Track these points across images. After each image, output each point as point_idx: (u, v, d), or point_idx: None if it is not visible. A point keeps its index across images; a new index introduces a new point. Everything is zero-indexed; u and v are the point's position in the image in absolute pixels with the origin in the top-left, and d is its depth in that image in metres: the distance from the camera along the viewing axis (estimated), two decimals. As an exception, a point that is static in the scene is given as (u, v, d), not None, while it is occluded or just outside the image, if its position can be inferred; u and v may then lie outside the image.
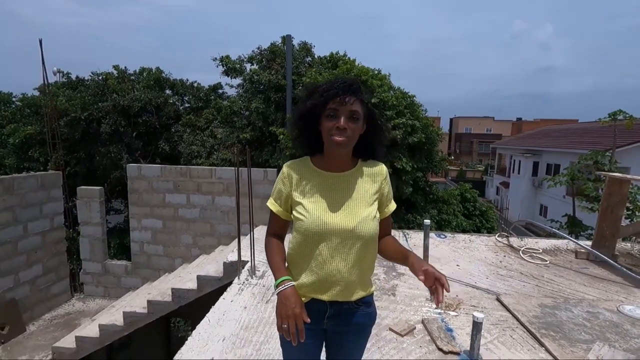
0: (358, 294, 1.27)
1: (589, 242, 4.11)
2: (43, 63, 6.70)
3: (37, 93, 9.14)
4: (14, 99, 10.13)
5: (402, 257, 1.25)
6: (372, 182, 1.30)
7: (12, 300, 5.12)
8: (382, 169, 1.33)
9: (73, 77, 9.24)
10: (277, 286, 1.20)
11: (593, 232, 5.51)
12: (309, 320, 1.15)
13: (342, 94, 1.15)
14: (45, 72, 6.86)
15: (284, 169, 1.31)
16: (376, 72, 7.10)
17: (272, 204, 1.32)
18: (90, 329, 4.45)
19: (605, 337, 2.37)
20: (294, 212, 1.27)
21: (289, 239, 1.32)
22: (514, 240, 4.49)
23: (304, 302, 1.24)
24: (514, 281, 3.33)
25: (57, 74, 9.55)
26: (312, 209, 1.22)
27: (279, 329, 1.16)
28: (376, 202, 1.29)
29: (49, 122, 7.10)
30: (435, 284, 1.07)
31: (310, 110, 1.21)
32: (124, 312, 4.28)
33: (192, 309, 4.35)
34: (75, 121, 7.64)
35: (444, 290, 1.06)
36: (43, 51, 6.60)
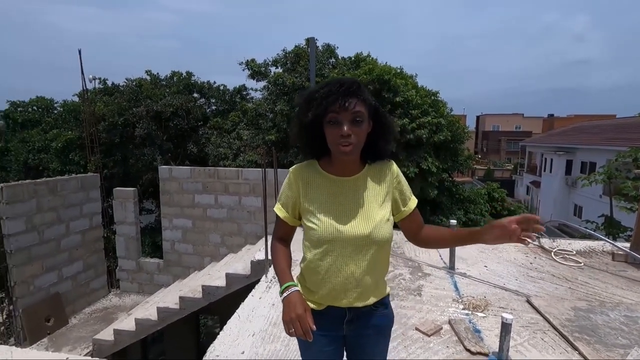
0: (375, 297, 1.26)
1: (627, 244, 3.93)
2: (82, 71, 7.12)
3: (76, 99, 9.71)
4: (55, 105, 10.78)
5: (465, 235, 1.21)
6: (383, 183, 1.26)
7: (56, 294, 5.48)
8: (391, 166, 1.28)
9: (109, 83, 9.74)
10: (281, 292, 1.18)
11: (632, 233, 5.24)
12: (314, 327, 1.11)
13: (342, 98, 1.08)
14: (84, 80, 7.30)
15: (291, 174, 1.26)
16: (398, 70, 7.06)
17: (279, 210, 1.29)
18: (127, 323, 4.69)
19: (645, 343, 2.28)
20: (304, 220, 1.24)
21: (296, 243, 1.33)
22: (546, 242, 4.35)
23: (320, 309, 1.24)
24: (545, 283, 3.24)
25: (93, 81, 10.10)
26: (324, 217, 1.19)
27: (288, 334, 1.14)
28: (389, 203, 1.25)
29: (88, 127, 7.53)
30: (527, 225, 1.03)
31: (312, 121, 1.15)
32: (157, 308, 4.49)
33: (220, 306, 4.50)
34: (112, 126, 8.07)
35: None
36: (82, 60, 7.02)
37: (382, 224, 1.19)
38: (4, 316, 6.72)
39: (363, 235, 1.17)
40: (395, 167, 1.29)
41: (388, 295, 1.33)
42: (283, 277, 1.22)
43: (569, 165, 20.39)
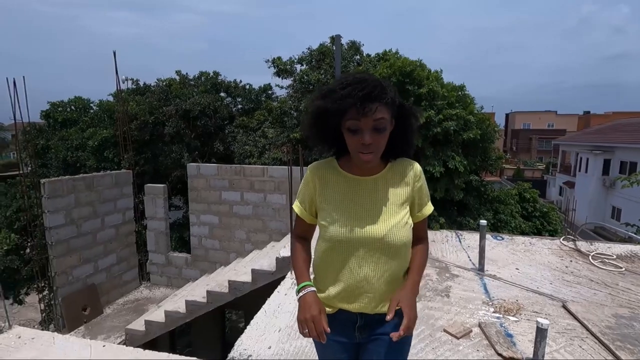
0: (380, 302, 1.20)
1: (675, 249, 3.67)
2: (116, 72, 7.44)
3: (111, 99, 10.14)
4: (92, 105, 11.31)
5: (408, 273, 1.23)
6: (404, 184, 1.21)
7: (92, 285, 5.77)
8: (415, 168, 1.23)
9: (141, 83, 10.12)
10: (298, 292, 1.18)
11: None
12: (328, 330, 1.09)
13: (363, 104, 1.00)
14: (119, 81, 7.61)
15: (308, 171, 1.24)
16: (418, 63, 6.89)
17: (297, 207, 1.28)
18: (157, 315, 4.87)
19: (695, 355, 2.12)
20: (319, 219, 1.22)
21: (314, 243, 1.30)
22: (582, 245, 4.14)
23: (331, 312, 1.21)
24: (582, 288, 3.08)
25: (126, 82, 10.53)
26: (338, 217, 1.16)
27: (302, 334, 1.13)
28: (408, 206, 1.21)
29: (121, 125, 7.86)
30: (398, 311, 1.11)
31: (330, 124, 1.10)
32: (186, 301, 4.63)
33: (245, 300, 4.59)
34: (143, 124, 8.39)
35: (405, 327, 1.07)
36: (116, 61, 7.32)
37: (399, 227, 1.15)
38: (44, 304, 7.15)
39: (377, 237, 1.14)
40: (418, 168, 1.24)
41: None
42: (300, 276, 1.22)
43: (606, 165, 19.31)
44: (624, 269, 3.48)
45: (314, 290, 1.17)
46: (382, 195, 1.18)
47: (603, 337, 2.29)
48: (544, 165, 33.60)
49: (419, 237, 1.27)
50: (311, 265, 1.32)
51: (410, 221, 1.21)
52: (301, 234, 1.32)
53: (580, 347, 2.24)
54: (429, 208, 1.27)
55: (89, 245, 5.76)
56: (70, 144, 9.71)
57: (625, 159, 17.93)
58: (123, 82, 10.65)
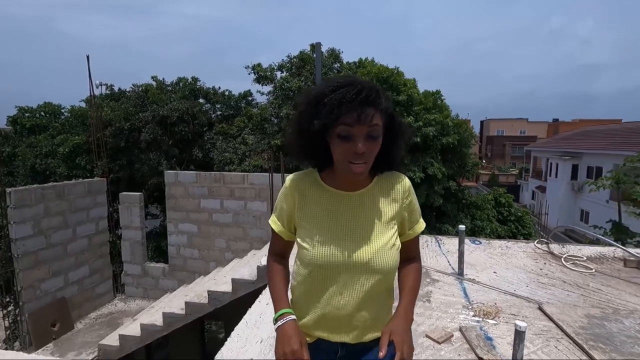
0: (373, 335, 1.09)
1: (639, 250, 3.86)
2: (90, 77, 7.20)
3: (83, 104, 9.80)
4: (63, 110, 10.89)
5: (399, 298, 1.10)
6: (392, 200, 1.09)
7: (62, 299, 5.49)
8: (404, 182, 1.12)
9: (115, 89, 9.84)
10: (275, 320, 1.05)
11: (643, 239, 5.17)
12: None
13: (359, 109, 0.91)
14: (92, 86, 7.37)
15: (287, 182, 1.11)
16: (395, 71, 7.04)
17: (274, 223, 1.15)
18: (132, 328, 4.68)
19: (662, 351, 2.22)
20: (297, 238, 1.10)
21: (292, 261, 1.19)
22: (555, 247, 4.29)
23: (310, 342, 1.09)
24: (556, 290, 3.18)
25: (100, 87, 10.22)
26: (317, 237, 1.04)
27: None
28: (396, 225, 1.09)
29: (94, 132, 7.60)
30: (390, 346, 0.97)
31: (318, 130, 0.97)
32: (163, 313, 4.48)
33: (225, 311, 4.49)
34: (118, 131, 8.14)
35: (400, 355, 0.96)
36: (90, 65, 7.10)
37: (385, 249, 1.04)
38: (9, 321, 6.74)
39: (361, 262, 1.02)
40: (407, 182, 1.14)
41: None
42: (278, 301, 1.08)
43: (574, 170, 20.28)
44: (594, 270, 3.63)
45: (294, 319, 1.03)
46: (368, 213, 1.06)
47: (577, 338, 2.36)
48: (517, 171, 34.87)
49: (411, 257, 1.18)
50: (289, 288, 1.18)
51: (398, 242, 1.09)
52: (278, 252, 1.19)
53: (556, 347, 2.31)
54: (421, 225, 1.17)
55: (59, 257, 5.49)
56: (39, 151, 9.30)
57: (592, 164, 18.86)
58: (97, 87, 10.36)
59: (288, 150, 1.13)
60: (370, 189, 1.08)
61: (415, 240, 1.18)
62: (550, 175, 22.65)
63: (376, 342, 1.06)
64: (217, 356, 2.33)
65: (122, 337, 4.52)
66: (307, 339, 1.08)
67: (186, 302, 4.40)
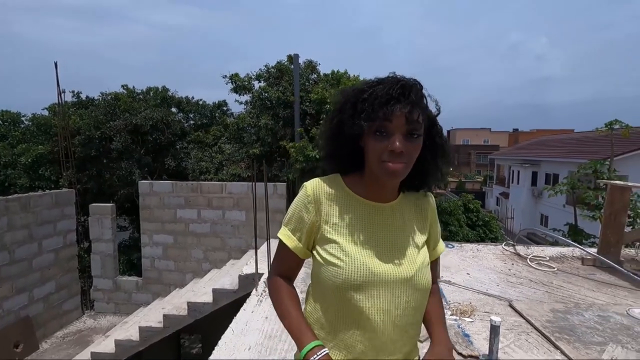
0: None
1: (594, 249, 4.22)
2: (58, 84, 6.92)
3: (46, 112, 9.35)
4: (23, 119, 10.33)
5: (429, 324, 0.99)
6: (422, 217, 1.00)
7: (26, 317, 5.17)
8: (429, 198, 1.03)
9: (83, 96, 9.48)
10: (305, 356, 0.84)
11: (596, 239, 5.62)
12: None
13: (398, 102, 0.81)
14: (60, 93, 7.08)
15: (309, 189, 0.94)
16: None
17: (286, 237, 0.95)
18: (105, 345, 4.50)
19: (617, 339, 2.47)
20: (321, 254, 0.91)
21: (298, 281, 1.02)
22: (521, 249, 4.60)
23: None
24: (524, 288, 3.43)
25: (63, 94, 9.80)
26: (353, 251, 0.88)
27: None
28: (426, 244, 1.00)
29: (61, 140, 7.27)
30: None
31: (352, 127, 0.86)
32: (139, 327, 4.34)
33: (203, 323, 4.42)
34: (88, 139, 7.84)
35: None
36: (58, 73, 6.83)
37: (424, 265, 0.93)
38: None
39: (404, 278, 0.88)
40: (433, 200, 1.05)
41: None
42: (302, 333, 0.88)
43: (534, 176, 21.55)
44: (556, 269, 3.93)
45: (327, 353, 0.84)
46: (403, 227, 0.95)
47: (545, 331, 2.57)
48: (482, 178, 36.54)
49: (433, 280, 1.03)
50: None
51: (429, 260, 0.99)
52: (286, 272, 0.99)
53: (527, 340, 2.50)
54: (442, 245, 1.08)
55: (24, 273, 5.19)
56: (-3, 161, 8.75)
57: (549, 171, 20.15)
58: (61, 94, 9.91)
59: (324, 159, 1.00)
60: (399, 202, 0.96)
61: (437, 262, 1.09)
62: (512, 182, 23.94)
63: None
64: (207, 365, 2.33)
65: (94, 355, 4.33)
66: None
67: (164, 315, 4.30)
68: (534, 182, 21.52)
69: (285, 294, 0.96)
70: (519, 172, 22.76)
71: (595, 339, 2.46)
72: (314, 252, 0.94)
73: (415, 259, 0.92)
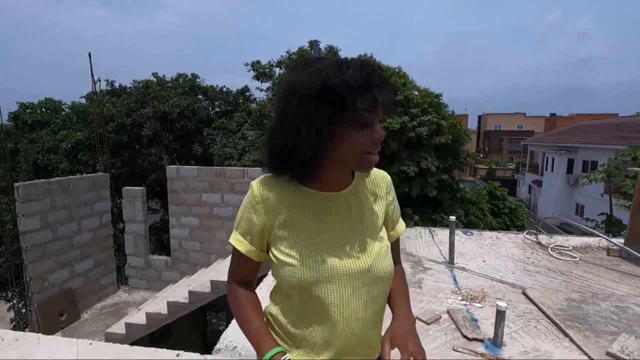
0: (375, 354, 0.96)
1: (622, 240, 4.05)
2: (92, 74, 7.31)
3: (84, 101, 9.91)
4: (63, 107, 11.00)
5: (390, 300, 0.97)
6: (378, 198, 0.96)
7: (69, 290, 5.67)
8: (386, 177, 1.00)
9: (116, 85, 9.95)
10: None
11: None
12: None
13: (380, 90, 0.77)
14: (94, 82, 7.49)
15: (255, 189, 0.89)
16: (397, 69, 7.21)
17: (237, 241, 0.91)
18: (137, 317, 4.86)
19: (633, 330, 2.41)
20: (275, 254, 0.87)
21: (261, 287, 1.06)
22: (543, 238, 4.48)
23: None
24: (541, 277, 3.37)
25: (99, 82, 10.33)
26: (307, 248, 0.85)
27: None
28: (384, 226, 0.97)
29: (97, 127, 7.73)
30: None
31: (326, 124, 0.77)
32: (167, 302, 4.66)
33: (226, 302, 4.66)
34: (120, 126, 8.28)
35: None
36: (92, 63, 7.21)
37: (382, 253, 0.91)
38: (15, 313, 6.92)
39: (361, 269, 0.86)
40: (388, 176, 1.02)
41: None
42: (261, 340, 0.85)
43: (570, 164, 20.49)
44: (578, 258, 3.82)
45: (289, 358, 0.83)
46: (358, 214, 0.91)
47: (556, 318, 2.55)
48: (514, 165, 35.11)
49: (395, 261, 1.00)
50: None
51: (389, 244, 0.96)
52: (244, 278, 0.96)
53: (536, 327, 2.50)
54: (402, 225, 1.05)
55: (65, 250, 5.65)
56: (41, 146, 9.43)
57: (587, 158, 19.07)
58: (96, 83, 10.46)
59: (269, 155, 0.87)
60: (354, 186, 0.93)
61: (397, 242, 1.06)
62: (546, 170, 22.88)
63: None
64: (223, 336, 2.51)
65: (128, 326, 4.70)
66: None
67: (190, 291, 4.58)
68: (569, 170, 20.47)
69: (244, 301, 0.92)
70: (553, 159, 21.69)
71: (609, 329, 2.42)
72: (270, 253, 0.90)
73: (372, 248, 0.89)
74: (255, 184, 0.90)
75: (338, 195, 0.90)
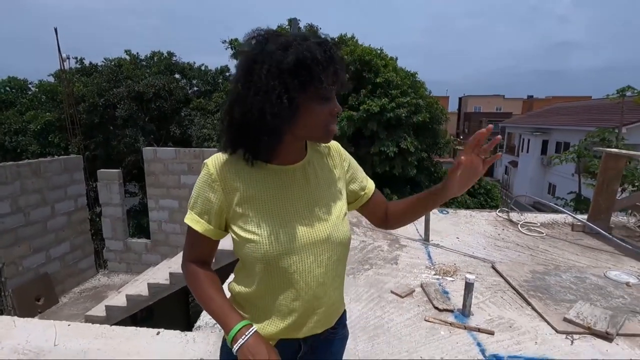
0: (338, 315, 1.03)
1: (586, 216, 4.29)
2: (59, 51, 6.94)
3: (52, 79, 9.42)
4: (30, 86, 10.44)
5: (433, 193, 0.99)
6: (332, 166, 1.00)
7: (45, 274, 5.56)
8: (335, 144, 1.04)
9: (86, 63, 9.48)
10: (233, 339, 0.82)
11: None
12: None
13: (336, 64, 0.81)
14: (62, 60, 7.11)
15: (210, 166, 0.88)
16: (379, 51, 7.20)
17: (194, 222, 0.90)
18: (118, 299, 4.85)
19: (589, 298, 2.60)
20: (236, 231, 0.88)
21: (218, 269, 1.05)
22: (514, 215, 4.69)
23: None
24: (509, 251, 3.55)
25: (67, 60, 9.81)
26: (267, 223, 0.86)
27: None
28: (343, 191, 1.01)
29: (67, 108, 7.40)
30: (479, 147, 0.88)
31: (288, 101, 0.79)
32: (148, 284, 4.66)
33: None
34: (92, 107, 7.96)
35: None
36: (59, 39, 6.82)
37: (339, 220, 0.95)
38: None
39: (320, 238, 0.90)
40: (337, 143, 1.04)
41: (345, 311, 1.09)
42: (227, 316, 0.86)
43: (544, 145, 21.18)
44: (544, 234, 4.04)
45: (256, 330, 0.86)
46: (315, 184, 0.94)
47: (520, 289, 2.71)
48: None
49: (385, 204, 1.12)
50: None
51: (346, 210, 1.00)
52: (201, 258, 0.95)
53: (502, 297, 2.65)
54: (371, 182, 1.10)
55: (40, 234, 5.52)
56: (8, 127, 8.97)
57: (561, 140, 19.76)
58: (65, 60, 9.93)
59: (227, 131, 0.87)
60: (309, 158, 0.96)
61: (377, 193, 1.11)
62: (522, 151, 23.60)
63: (338, 324, 1.03)
64: (201, 317, 2.56)
65: (108, 308, 4.69)
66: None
67: (170, 273, 4.60)
68: (544, 151, 21.18)
69: (204, 280, 0.92)
70: (529, 140, 22.36)
71: (567, 297, 2.60)
72: (230, 231, 0.91)
73: (331, 217, 0.93)
74: (209, 162, 0.90)
75: (294, 168, 0.92)
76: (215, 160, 0.89)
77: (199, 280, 0.92)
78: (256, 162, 0.89)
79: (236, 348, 0.81)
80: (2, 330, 2.28)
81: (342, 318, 1.06)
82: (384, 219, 1.12)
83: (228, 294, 0.99)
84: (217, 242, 0.96)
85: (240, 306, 0.96)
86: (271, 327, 0.92)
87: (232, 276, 1.03)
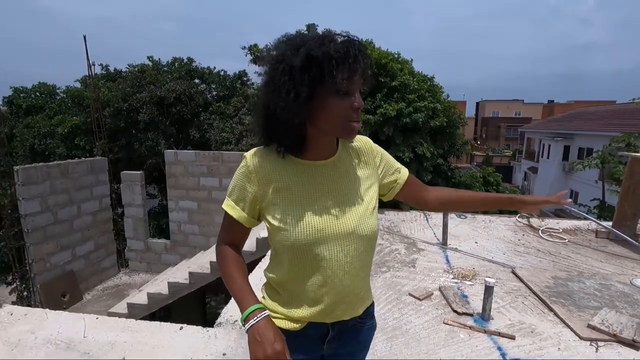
0: (364, 305, 1.08)
1: (610, 223, 4.17)
2: (87, 57, 7.25)
3: (78, 85, 9.81)
4: (58, 91, 10.89)
5: (499, 198, 1.23)
6: (364, 163, 1.06)
7: (70, 271, 5.77)
8: (368, 142, 1.09)
9: (111, 69, 9.83)
10: (245, 319, 0.89)
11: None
12: None
13: (357, 61, 0.85)
14: (90, 66, 7.42)
15: (248, 159, 0.97)
16: (396, 55, 7.19)
17: (230, 207, 0.99)
18: (139, 297, 4.99)
19: (614, 305, 2.54)
20: (269, 220, 0.95)
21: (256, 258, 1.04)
22: (534, 221, 4.59)
23: (298, 329, 0.99)
24: (530, 257, 3.49)
25: (93, 66, 10.22)
26: (297, 213, 0.93)
27: None
28: (374, 187, 1.05)
29: (94, 112, 7.70)
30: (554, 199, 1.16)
31: (308, 94, 0.84)
32: (168, 283, 4.77)
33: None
34: (117, 111, 8.25)
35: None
36: (87, 46, 7.13)
37: (367, 214, 0.99)
38: (17, 296, 7.05)
39: (347, 231, 0.96)
40: (370, 140, 1.10)
41: (373, 303, 1.14)
42: (244, 298, 0.93)
43: (566, 151, 20.59)
44: (567, 240, 3.94)
45: (268, 315, 0.93)
46: (344, 179, 1.00)
47: (542, 295, 2.67)
48: (511, 152, 35.24)
49: (422, 186, 1.21)
50: (265, 286, 1.08)
51: (377, 205, 1.06)
52: (234, 241, 1.04)
53: (523, 303, 2.62)
54: (404, 169, 1.16)
55: (66, 233, 5.74)
56: (37, 131, 9.38)
57: (583, 145, 19.17)
58: (90, 67, 10.34)
59: (260, 126, 0.96)
60: (340, 155, 1.01)
61: (412, 177, 1.17)
62: (542, 157, 23.00)
63: (365, 315, 1.08)
64: (224, 311, 2.62)
65: (130, 305, 4.83)
66: (296, 325, 0.99)
67: (190, 273, 4.70)
68: (565, 157, 20.58)
69: (231, 261, 1.01)
70: (549, 145, 21.78)
71: (591, 304, 2.54)
72: (263, 219, 0.99)
73: (357, 211, 0.98)
74: (248, 155, 0.98)
75: (324, 164, 0.98)
76: (252, 153, 0.98)
77: (227, 261, 1.01)
78: (288, 156, 0.95)
79: (247, 327, 0.88)
80: (36, 321, 2.40)
81: (370, 309, 1.11)
82: (423, 202, 1.20)
83: (264, 279, 1.08)
84: (249, 230, 1.03)
85: (274, 290, 1.03)
86: (302, 310, 0.98)
87: (267, 262, 1.11)
